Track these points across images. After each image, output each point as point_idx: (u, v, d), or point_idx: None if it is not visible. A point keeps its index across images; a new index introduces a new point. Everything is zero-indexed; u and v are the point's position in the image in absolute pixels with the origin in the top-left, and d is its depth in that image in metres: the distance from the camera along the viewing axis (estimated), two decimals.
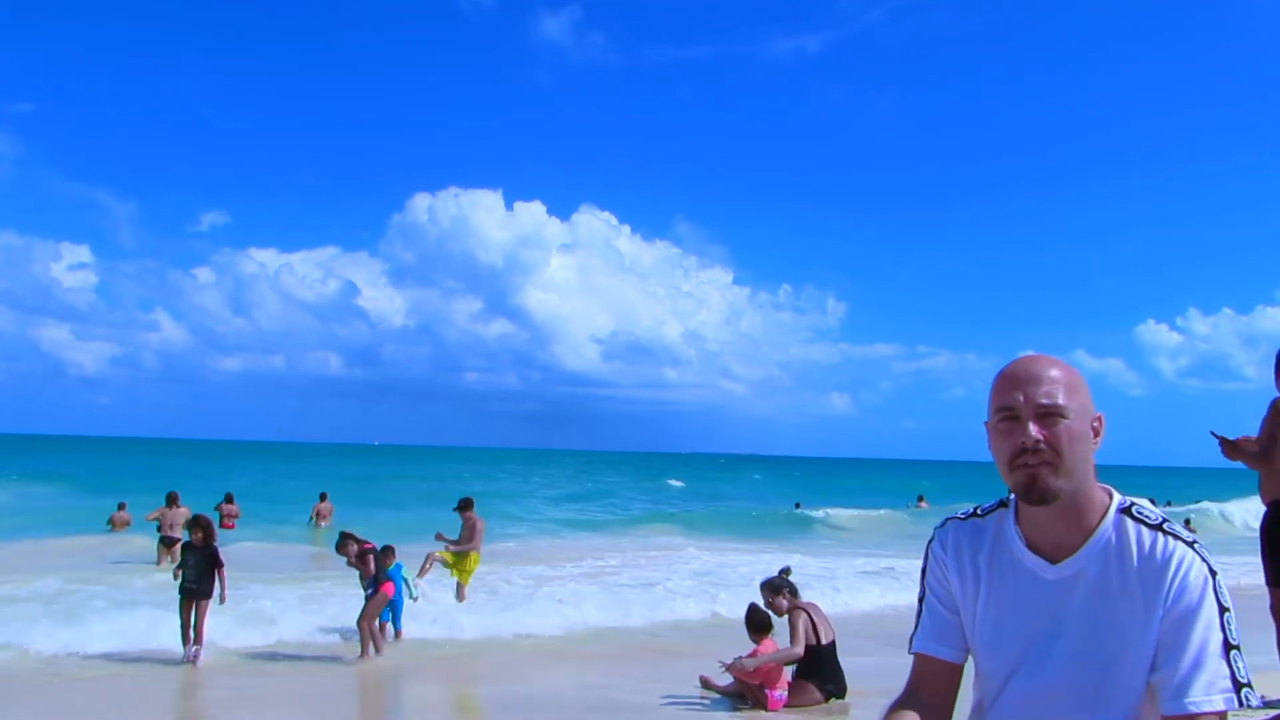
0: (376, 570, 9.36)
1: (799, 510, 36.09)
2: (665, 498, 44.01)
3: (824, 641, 7.31)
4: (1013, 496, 1.73)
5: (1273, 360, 5.01)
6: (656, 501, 41.00)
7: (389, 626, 9.85)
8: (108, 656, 8.68)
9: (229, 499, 21.19)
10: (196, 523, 9.38)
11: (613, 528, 24.31)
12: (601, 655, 9.66)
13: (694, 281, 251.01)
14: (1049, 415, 1.58)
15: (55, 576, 12.77)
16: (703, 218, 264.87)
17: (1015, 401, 1.60)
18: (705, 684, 7.64)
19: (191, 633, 8.66)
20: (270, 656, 8.96)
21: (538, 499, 39.08)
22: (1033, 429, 1.57)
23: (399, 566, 9.96)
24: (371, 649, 9.00)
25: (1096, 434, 1.64)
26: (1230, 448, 4.90)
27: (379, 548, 9.66)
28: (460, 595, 11.93)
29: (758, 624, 7.47)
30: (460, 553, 12.04)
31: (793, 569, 8.32)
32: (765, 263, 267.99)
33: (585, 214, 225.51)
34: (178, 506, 16.46)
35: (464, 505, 12.54)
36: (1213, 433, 4.92)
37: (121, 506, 21.19)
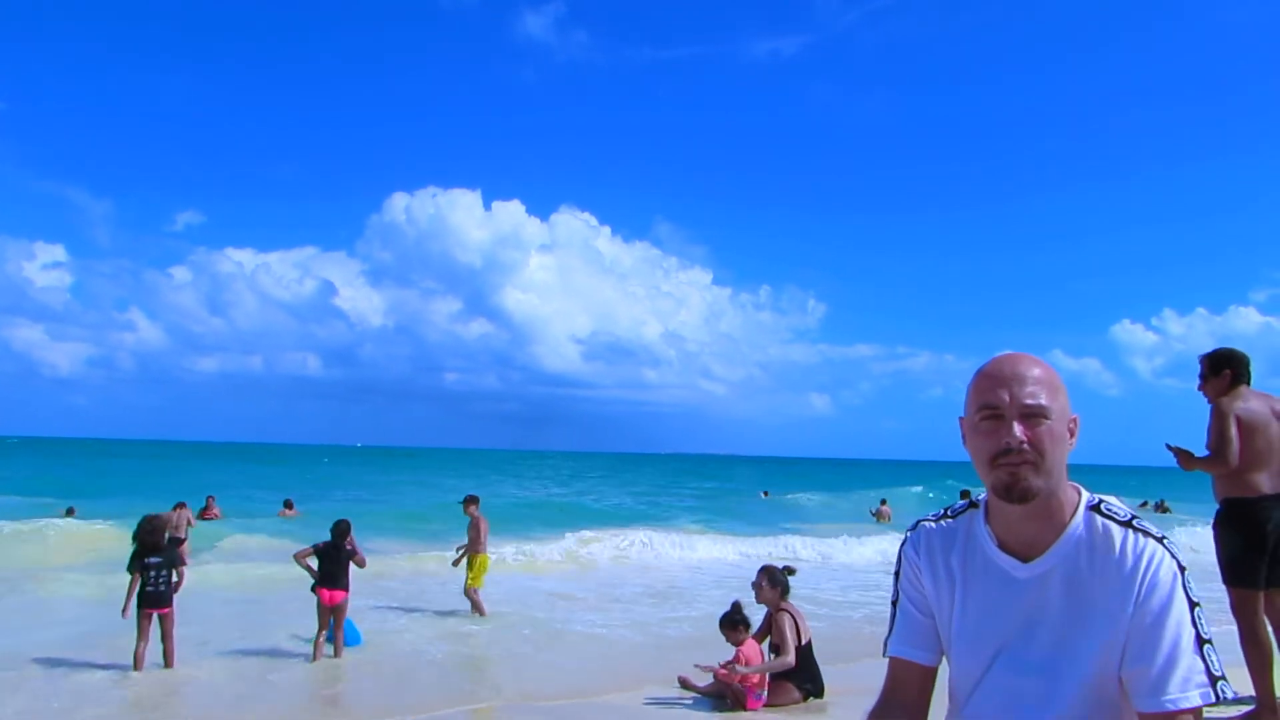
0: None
1: (767, 497, 36.58)
2: (642, 499, 43.96)
3: (802, 641, 7.35)
4: (982, 497, 1.75)
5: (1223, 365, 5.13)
6: (634, 502, 40.98)
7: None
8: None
9: (210, 501, 21.22)
10: (153, 522, 8.68)
11: (592, 528, 24.24)
12: (580, 656, 9.64)
13: (674, 282, 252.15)
14: (1033, 416, 1.58)
15: None
16: (683, 218, 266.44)
17: (1000, 400, 1.59)
18: (684, 684, 7.64)
19: (158, 643, 8.26)
20: (227, 664, 8.82)
21: (530, 499, 38.93)
22: (1017, 429, 1.57)
23: None
24: (328, 649, 8.92)
25: (1072, 435, 1.64)
26: (1187, 459, 4.98)
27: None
28: (478, 607, 11.44)
29: (736, 623, 7.47)
30: (470, 556, 11.69)
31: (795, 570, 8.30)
32: (745, 263, 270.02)
33: (565, 214, 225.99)
34: (184, 509, 17.66)
35: (468, 501, 12.15)
36: (1168, 445, 5.00)
37: (70, 512, 20.95)
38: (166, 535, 8.80)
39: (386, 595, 12.61)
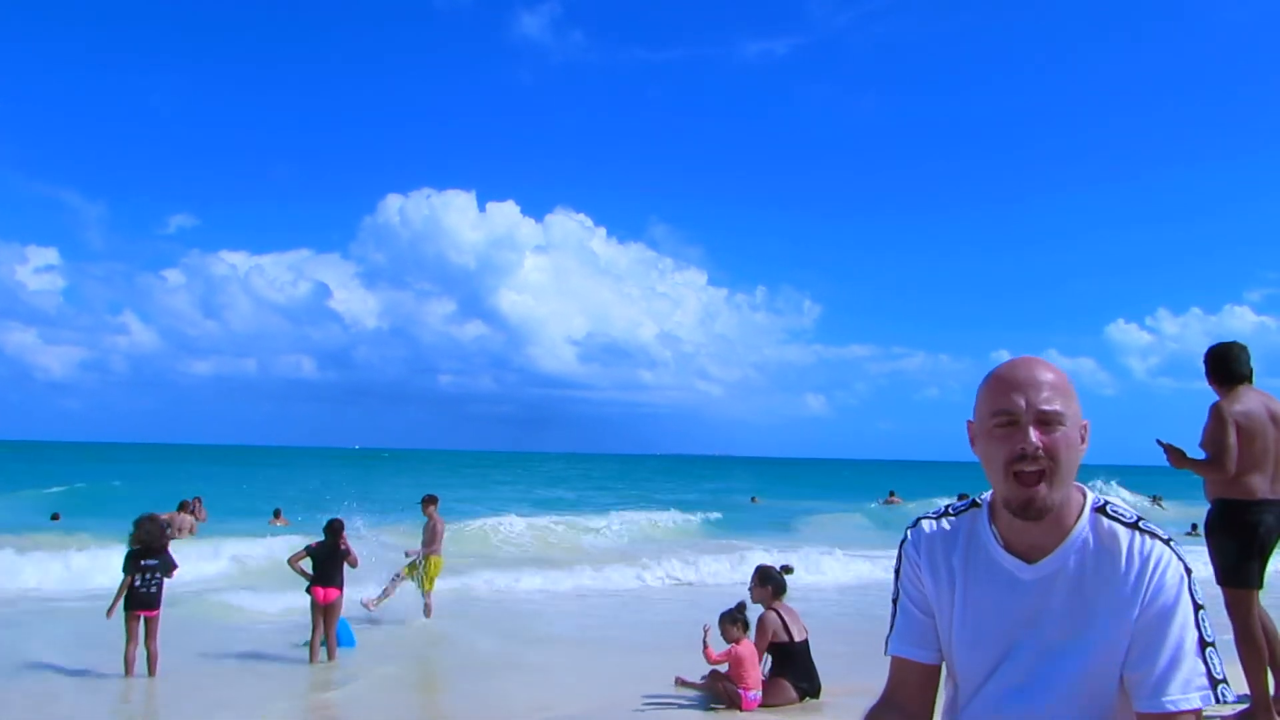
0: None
1: (755, 502, 36.45)
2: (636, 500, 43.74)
3: (796, 639, 7.32)
4: (985, 496, 1.72)
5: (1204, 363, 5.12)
6: (631, 501, 40.90)
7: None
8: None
9: (197, 503, 20.86)
10: (154, 523, 8.42)
11: (585, 528, 24.18)
12: (575, 655, 9.61)
13: (669, 283, 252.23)
14: (1049, 422, 1.56)
15: None
16: (678, 219, 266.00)
17: (1016, 406, 1.57)
18: (681, 683, 7.62)
19: (143, 648, 8.05)
20: (220, 670, 8.76)
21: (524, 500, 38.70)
22: (1034, 435, 1.55)
23: None
24: (323, 653, 8.87)
25: (1083, 440, 1.63)
26: (1179, 457, 4.97)
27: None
28: (428, 610, 11.29)
29: (735, 620, 7.44)
30: (421, 559, 11.43)
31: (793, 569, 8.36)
32: (741, 264, 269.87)
33: (560, 215, 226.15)
34: (190, 513, 17.42)
35: (428, 501, 11.86)
36: (1159, 441, 4.99)
37: (54, 517, 20.70)
38: (167, 536, 8.55)
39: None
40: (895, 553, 1.85)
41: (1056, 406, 1.57)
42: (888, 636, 1.81)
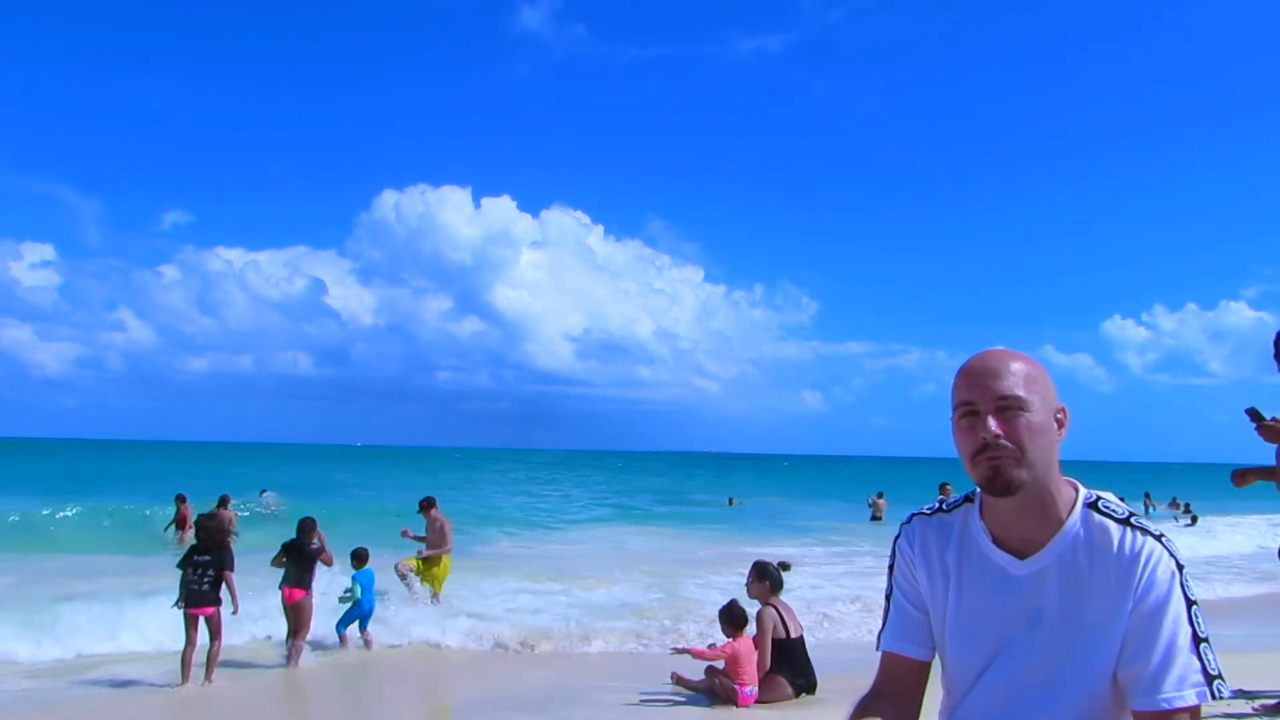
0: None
1: (732, 505, 35.33)
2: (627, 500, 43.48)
3: (792, 635, 7.35)
4: (978, 492, 1.72)
5: (1271, 347, 4.84)
6: (626, 501, 40.83)
7: (348, 631, 9.48)
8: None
9: (224, 502, 20.73)
10: (214, 519, 8.36)
11: (580, 526, 24.20)
12: (572, 653, 9.61)
13: (666, 279, 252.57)
14: (1009, 409, 1.56)
15: None
16: (675, 216, 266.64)
17: (974, 396, 1.58)
18: (678, 680, 7.63)
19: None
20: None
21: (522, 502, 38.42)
22: (992, 423, 1.55)
23: (370, 573, 9.73)
24: (304, 655, 8.73)
25: (1061, 426, 1.62)
26: (1270, 430, 4.60)
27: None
28: (436, 599, 11.43)
29: (734, 618, 7.46)
30: (430, 558, 11.56)
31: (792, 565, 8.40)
32: (738, 261, 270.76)
33: (556, 211, 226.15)
34: (228, 509, 17.75)
35: (427, 504, 11.94)
36: (1248, 410, 4.61)
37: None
38: (230, 535, 8.40)
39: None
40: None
41: (1017, 393, 1.57)
42: (880, 632, 1.82)
